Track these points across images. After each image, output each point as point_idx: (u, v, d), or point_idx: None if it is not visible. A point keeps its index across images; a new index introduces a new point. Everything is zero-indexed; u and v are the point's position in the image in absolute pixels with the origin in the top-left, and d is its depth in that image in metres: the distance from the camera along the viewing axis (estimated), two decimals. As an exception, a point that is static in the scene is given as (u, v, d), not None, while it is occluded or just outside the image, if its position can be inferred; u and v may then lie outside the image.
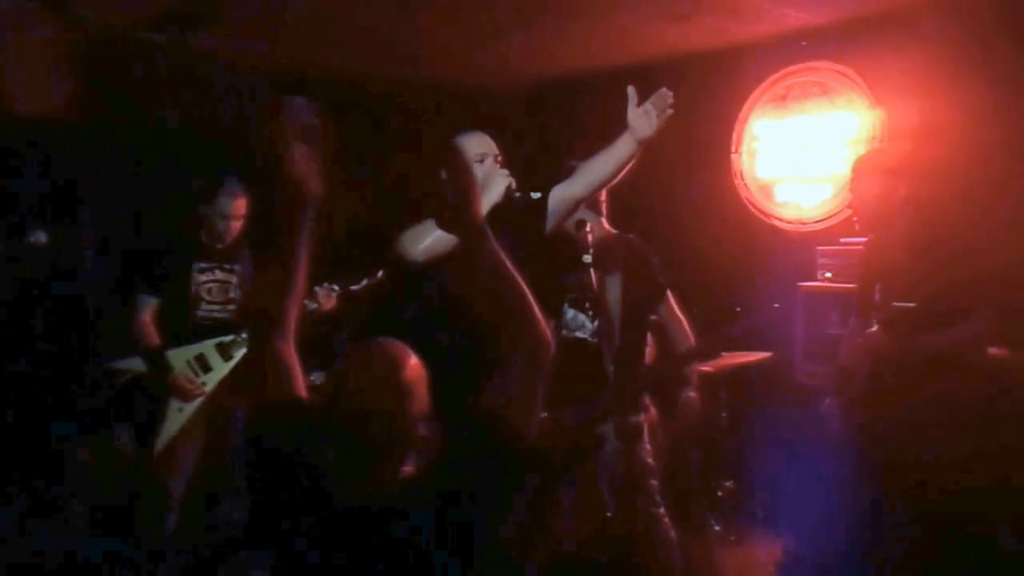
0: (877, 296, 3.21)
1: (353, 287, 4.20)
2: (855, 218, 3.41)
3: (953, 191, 3.62)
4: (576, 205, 3.02)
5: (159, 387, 3.91)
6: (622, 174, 2.88)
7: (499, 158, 3.00)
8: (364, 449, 1.86)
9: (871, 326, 3.21)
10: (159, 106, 4.66)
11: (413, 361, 1.92)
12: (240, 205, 4.08)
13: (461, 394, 2.05)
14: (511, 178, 2.91)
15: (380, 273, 4.23)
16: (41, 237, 3.12)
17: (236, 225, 4.10)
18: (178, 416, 3.90)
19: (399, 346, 1.96)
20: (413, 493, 1.84)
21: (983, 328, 2.99)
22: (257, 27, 4.59)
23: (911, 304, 3.07)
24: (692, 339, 3.60)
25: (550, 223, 2.98)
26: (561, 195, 2.96)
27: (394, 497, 1.83)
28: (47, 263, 4.04)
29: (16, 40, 4.00)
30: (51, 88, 3.96)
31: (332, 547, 1.80)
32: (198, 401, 3.94)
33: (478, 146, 3.00)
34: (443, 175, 2.41)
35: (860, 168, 3.28)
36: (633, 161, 2.83)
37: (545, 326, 1.98)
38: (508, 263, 1.96)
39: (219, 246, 4.10)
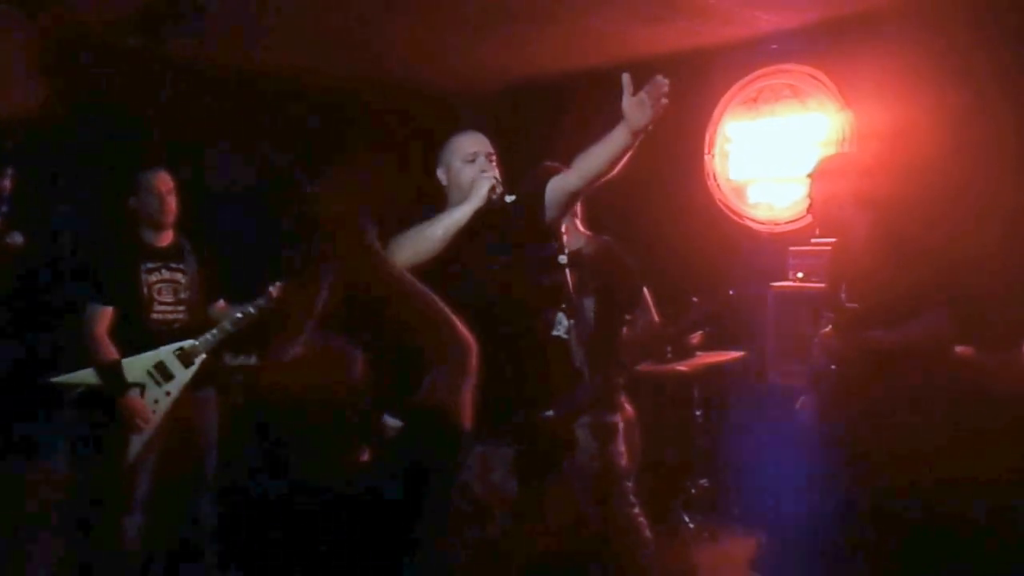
0: (843, 296, 3.25)
1: (246, 311, 3.95)
2: (813, 220, 3.49)
3: (917, 192, 3.68)
4: (573, 198, 2.98)
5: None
6: (620, 166, 2.79)
7: (492, 157, 3.00)
8: (325, 436, 1.96)
9: (826, 326, 3.27)
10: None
11: (360, 356, 2.06)
12: (164, 177, 3.94)
13: (398, 390, 2.11)
14: (495, 180, 2.91)
15: (274, 291, 3.98)
16: (17, 238, 3.04)
17: (171, 201, 3.94)
18: (142, 433, 3.73)
19: (346, 343, 2.10)
20: (370, 478, 1.95)
21: (938, 327, 3.03)
22: (235, 31, 4.57)
23: (855, 305, 3.13)
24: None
25: (549, 214, 2.96)
26: (558, 186, 2.92)
27: (353, 483, 1.92)
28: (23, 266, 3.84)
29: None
30: (26, 89, 3.89)
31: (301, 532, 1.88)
32: (159, 417, 3.76)
33: (471, 144, 3.00)
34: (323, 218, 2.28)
35: (815, 172, 3.34)
36: (630, 152, 2.75)
37: (463, 331, 1.99)
38: (409, 276, 1.98)
39: (162, 245, 3.96)
